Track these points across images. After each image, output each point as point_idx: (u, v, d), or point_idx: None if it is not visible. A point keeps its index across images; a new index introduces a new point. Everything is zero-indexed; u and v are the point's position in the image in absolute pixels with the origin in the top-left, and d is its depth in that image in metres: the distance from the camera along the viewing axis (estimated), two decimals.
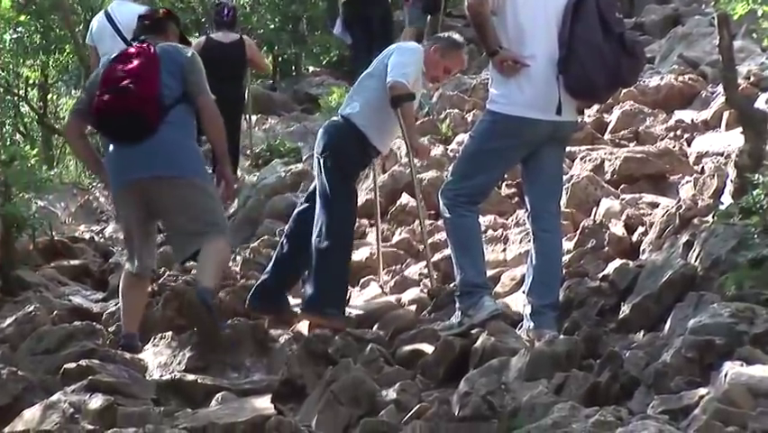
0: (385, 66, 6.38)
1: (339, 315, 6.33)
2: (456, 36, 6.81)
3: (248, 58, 10.87)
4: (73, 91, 17.63)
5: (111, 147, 6.06)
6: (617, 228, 6.55)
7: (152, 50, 6.04)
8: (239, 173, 10.85)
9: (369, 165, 7.14)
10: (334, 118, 6.73)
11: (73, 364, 5.28)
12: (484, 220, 7.14)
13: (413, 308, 6.55)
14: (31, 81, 18.13)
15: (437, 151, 9.27)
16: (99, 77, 6.10)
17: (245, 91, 12.04)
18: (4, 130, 17.17)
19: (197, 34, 13.67)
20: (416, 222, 7.79)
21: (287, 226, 6.89)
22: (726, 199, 5.98)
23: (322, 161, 6.42)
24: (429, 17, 14.35)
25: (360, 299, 7.12)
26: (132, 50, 6.15)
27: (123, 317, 6.24)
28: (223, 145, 6.33)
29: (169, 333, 6.16)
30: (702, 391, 3.55)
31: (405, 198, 8.60)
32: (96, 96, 5.98)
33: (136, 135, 5.87)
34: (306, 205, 6.61)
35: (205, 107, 6.09)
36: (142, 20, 6.48)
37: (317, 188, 6.46)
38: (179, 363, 5.68)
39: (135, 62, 5.97)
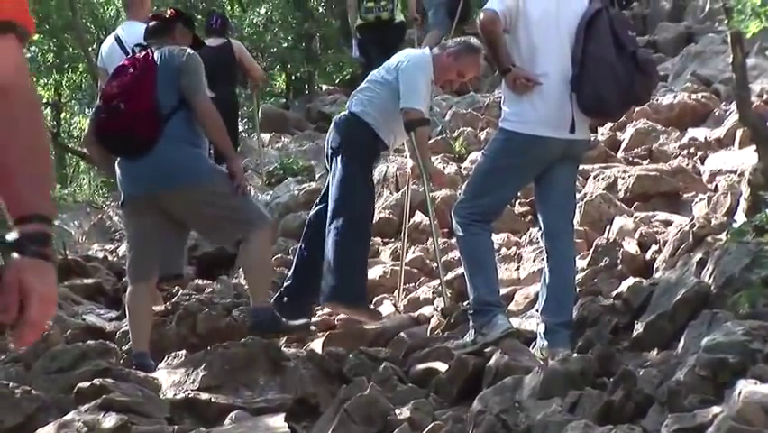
0: (394, 78, 6.39)
1: (367, 306, 6.33)
2: (473, 40, 6.75)
3: (238, 60, 10.91)
4: (86, 110, 17.71)
5: (117, 161, 6.04)
6: (631, 246, 6.53)
7: (150, 58, 5.90)
8: (252, 192, 10.84)
9: (378, 159, 7.16)
10: (343, 113, 6.76)
11: (87, 383, 5.25)
12: (497, 238, 7.14)
13: (426, 326, 6.55)
14: (44, 100, 18.23)
15: (450, 169, 9.28)
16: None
17: (252, 97, 12.12)
18: None
19: None
20: (430, 240, 7.79)
21: (303, 232, 6.84)
22: (740, 217, 5.96)
23: (338, 153, 6.43)
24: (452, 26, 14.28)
25: None
26: (130, 60, 6.03)
27: (131, 334, 6.18)
28: (225, 143, 6.08)
29: (183, 351, 6.15)
30: (716, 409, 3.53)
31: (418, 217, 8.60)
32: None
33: (134, 152, 5.82)
34: (322, 205, 6.59)
35: (200, 109, 5.87)
36: (150, 21, 6.37)
37: (334, 182, 6.42)
38: (193, 382, 5.65)
39: (128, 76, 5.86)
